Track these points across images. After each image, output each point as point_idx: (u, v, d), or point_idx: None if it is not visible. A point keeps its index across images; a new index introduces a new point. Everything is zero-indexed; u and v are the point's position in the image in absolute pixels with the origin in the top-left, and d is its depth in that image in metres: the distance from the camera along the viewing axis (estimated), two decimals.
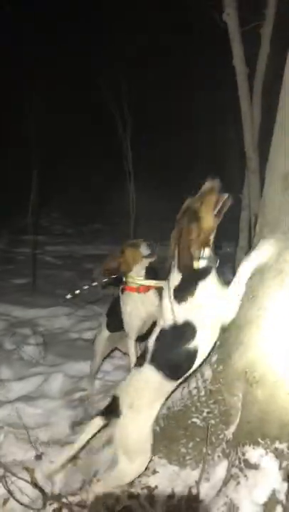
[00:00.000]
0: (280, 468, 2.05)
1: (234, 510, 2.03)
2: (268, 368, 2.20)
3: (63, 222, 11.81)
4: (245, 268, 2.18)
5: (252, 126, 3.86)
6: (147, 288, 2.92)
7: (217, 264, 2.22)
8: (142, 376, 2.24)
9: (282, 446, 2.08)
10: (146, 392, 2.21)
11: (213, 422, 2.34)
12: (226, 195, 2.20)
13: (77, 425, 2.96)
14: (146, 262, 2.90)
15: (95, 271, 3.35)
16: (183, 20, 8.40)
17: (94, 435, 2.26)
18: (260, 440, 2.12)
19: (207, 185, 2.22)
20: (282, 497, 2.01)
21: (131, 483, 2.38)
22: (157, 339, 2.25)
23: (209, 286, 2.16)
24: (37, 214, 6.36)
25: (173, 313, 2.16)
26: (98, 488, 2.27)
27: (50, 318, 4.86)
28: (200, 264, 2.17)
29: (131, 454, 2.20)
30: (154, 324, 3.07)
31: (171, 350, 2.19)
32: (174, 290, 2.19)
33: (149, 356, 2.24)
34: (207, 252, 2.20)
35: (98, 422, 2.23)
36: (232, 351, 2.30)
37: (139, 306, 2.92)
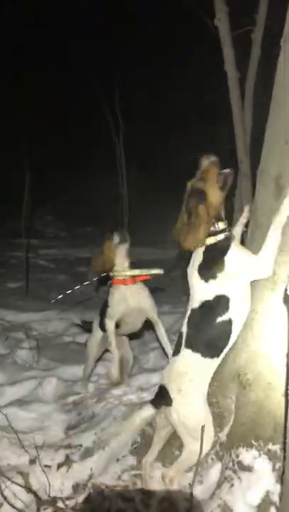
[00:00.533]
0: (274, 469, 2.06)
1: None
2: (261, 371, 2.22)
3: (56, 225, 11.80)
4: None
5: (243, 130, 3.89)
6: (134, 280, 2.98)
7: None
8: (181, 361, 2.27)
9: (276, 447, 2.09)
10: (190, 375, 2.23)
11: None
12: (227, 170, 2.26)
13: (71, 429, 2.95)
14: (122, 250, 2.99)
15: (89, 274, 3.38)
16: (175, 24, 8.45)
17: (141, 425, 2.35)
18: (253, 442, 2.13)
19: (205, 161, 2.28)
20: (275, 498, 2.01)
21: (125, 487, 2.39)
22: (189, 320, 2.28)
23: (235, 256, 2.19)
24: (30, 217, 6.35)
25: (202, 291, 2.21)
26: (172, 473, 2.28)
27: (44, 322, 4.86)
28: (217, 238, 2.23)
29: (194, 433, 2.20)
30: (148, 323, 3.14)
31: (204, 329, 2.22)
32: (199, 269, 2.24)
33: (183, 341, 2.27)
34: (221, 225, 2.25)
35: (148, 409, 2.30)
36: (226, 354, 2.30)
37: (127, 297, 2.97)
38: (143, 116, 10.19)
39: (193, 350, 2.24)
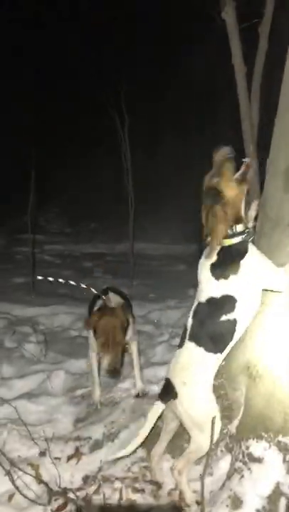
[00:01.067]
0: (284, 461, 2.07)
1: (238, 503, 2.05)
2: (270, 363, 2.23)
3: (60, 221, 11.82)
4: None
5: (251, 124, 3.88)
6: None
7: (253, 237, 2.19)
8: (185, 354, 2.26)
9: (286, 439, 2.10)
10: (194, 369, 2.22)
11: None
12: (245, 160, 2.14)
13: (80, 421, 2.97)
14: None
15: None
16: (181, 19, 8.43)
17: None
18: (263, 434, 2.14)
19: (218, 156, 2.15)
20: (286, 489, 2.03)
21: (135, 478, 2.40)
22: (195, 314, 2.26)
23: (252, 262, 2.13)
24: (35, 213, 6.35)
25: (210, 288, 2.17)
26: (180, 465, 2.28)
27: (50, 317, 4.87)
28: (234, 240, 2.14)
29: (200, 425, 2.21)
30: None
31: (209, 324, 2.19)
32: (212, 267, 2.17)
33: (188, 334, 2.26)
34: (240, 227, 2.15)
35: (159, 406, 2.28)
36: (235, 346, 2.30)
37: None
38: (146, 109, 10.18)
39: (196, 344, 2.22)
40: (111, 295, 3.15)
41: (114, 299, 3.10)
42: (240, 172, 2.13)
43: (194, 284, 2.37)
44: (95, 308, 3.08)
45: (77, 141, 11.93)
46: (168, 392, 2.27)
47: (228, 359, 2.34)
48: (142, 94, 9.46)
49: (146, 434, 2.27)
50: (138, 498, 2.29)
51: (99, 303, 3.11)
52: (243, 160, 2.16)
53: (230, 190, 2.12)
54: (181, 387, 2.23)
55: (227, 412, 2.35)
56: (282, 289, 2.16)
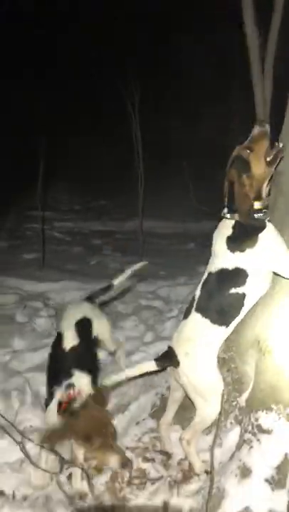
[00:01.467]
0: None
1: (247, 473, 2.08)
2: (281, 337, 2.22)
3: (70, 199, 11.78)
4: None
5: (263, 97, 3.80)
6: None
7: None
8: (190, 325, 2.27)
9: None
10: (198, 341, 2.23)
11: (225, 389, 2.37)
12: (279, 144, 2.10)
13: None
14: None
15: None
16: None
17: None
18: (273, 406, 2.15)
19: (256, 130, 2.11)
20: None
21: (145, 448, 2.45)
22: (204, 284, 2.26)
23: (270, 238, 2.12)
24: (45, 190, 6.34)
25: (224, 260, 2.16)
26: (188, 435, 2.31)
27: (61, 292, 4.90)
28: (255, 216, 2.12)
29: (203, 394, 2.24)
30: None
31: (217, 296, 2.19)
32: (228, 239, 2.16)
33: (195, 304, 2.26)
34: (259, 204, 2.13)
35: (151, 364, 2.31)
36: (245, 320, 2.31)
37: None
38: (156, 86, 10.01)
39: (202, 315, 2.22)
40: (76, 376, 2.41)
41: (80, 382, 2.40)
42: (272, 154, 2.09)
43: (204, 262, 2.35)
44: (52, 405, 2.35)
45: (87, 118, 11.81)
46: (167, 357, 2.29)
47: (238, 333, 2.35)
48: (151, 71, 9.29)
49: (129, 376, 2.36)
50: (148, 467, 2.34)
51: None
52: (276, 143, 2.11)
53: (260, 166, 2.09)
54: (183, 358, 2.24)
55: (237, 385, 2.37)
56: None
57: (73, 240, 7.93)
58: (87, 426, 2.20)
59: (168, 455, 2.42)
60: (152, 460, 2.38)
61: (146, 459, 2.37)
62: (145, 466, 2.34)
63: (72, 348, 2.55)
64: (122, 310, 4.51)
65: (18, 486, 2.28)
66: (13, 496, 2.24)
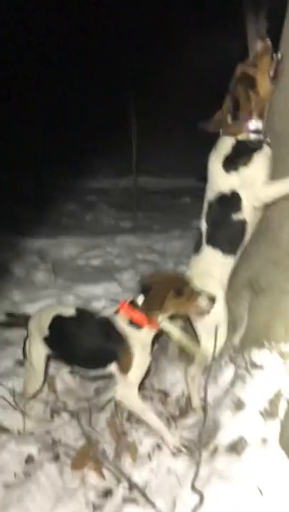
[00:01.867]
0: (286, 367, 2.18)
1: (241, 406, 2.17)
2: (274, 277, 2.28)
3: (64, 156, 11.60)
4: None
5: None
6: None
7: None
8: (204, 259, 2.31)
9: (288, 347, 2.20)
10: (212, 272, 2.28)
11: None
12: (279, 55, 2.09)
13: None
14: None
15: None
16: None
17: None
18: (265, 342, 2.24)
19: (260, 45, 2.10)
20: (287, 393, 2.15)
21: (144, 388, 2.55)
22: (207, 216, 2.29)
23: (263, 159, 2.14)
24: (39, 147, 6.24)
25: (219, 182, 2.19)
26: (194, 370, 2.42)
27: (58, 247, 4.94)
28: (252, 136, 2.14)
29: (210, 330, 2.31)
30: None
31: (222, 224, 2.23)
32: (225, 159, 2.18)
33: (204, 238, 2.30)
34: (259, 124, 2.15)
35: None
36: (237, 262, 2.36)
37: None
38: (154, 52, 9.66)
39: (214, 247, 2.26)
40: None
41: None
42: (272, 68, 2.10)
43: (199, 215, 2.38)
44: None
45: (81, 74, 11.45)
46: None
47: (231, 274, 2.40)
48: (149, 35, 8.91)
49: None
50: (147, 405, 2.44)
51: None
52: (274, 54, 2.10)
53: (264, 82, 2.10)
54: None
55: (231, 326, 2.45)
56: (257, 204, 2.17)
57: (68, 198, 7.89)
58: (168, 285, 2.19)
59: (166, 394, 2.53)
60: (151, 398, 2.49)
61: (145, 397, 2.47)
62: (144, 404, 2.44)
63: None
64: (119, 264, 4.57)
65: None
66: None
